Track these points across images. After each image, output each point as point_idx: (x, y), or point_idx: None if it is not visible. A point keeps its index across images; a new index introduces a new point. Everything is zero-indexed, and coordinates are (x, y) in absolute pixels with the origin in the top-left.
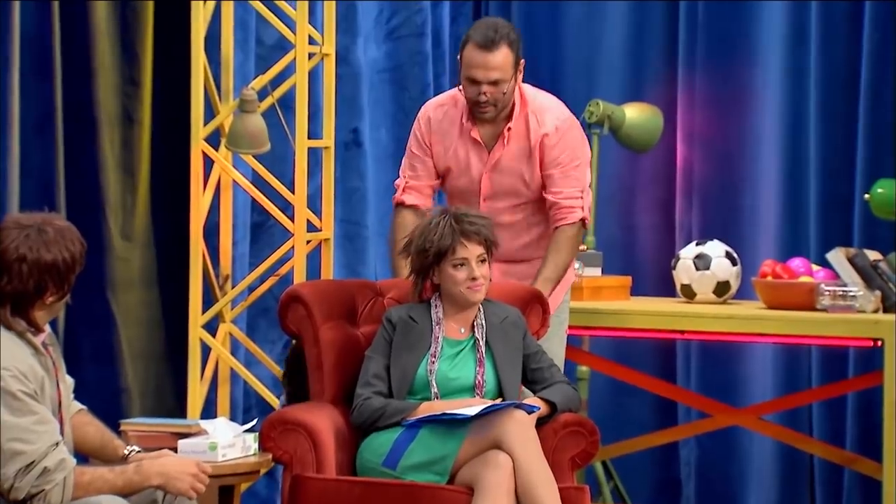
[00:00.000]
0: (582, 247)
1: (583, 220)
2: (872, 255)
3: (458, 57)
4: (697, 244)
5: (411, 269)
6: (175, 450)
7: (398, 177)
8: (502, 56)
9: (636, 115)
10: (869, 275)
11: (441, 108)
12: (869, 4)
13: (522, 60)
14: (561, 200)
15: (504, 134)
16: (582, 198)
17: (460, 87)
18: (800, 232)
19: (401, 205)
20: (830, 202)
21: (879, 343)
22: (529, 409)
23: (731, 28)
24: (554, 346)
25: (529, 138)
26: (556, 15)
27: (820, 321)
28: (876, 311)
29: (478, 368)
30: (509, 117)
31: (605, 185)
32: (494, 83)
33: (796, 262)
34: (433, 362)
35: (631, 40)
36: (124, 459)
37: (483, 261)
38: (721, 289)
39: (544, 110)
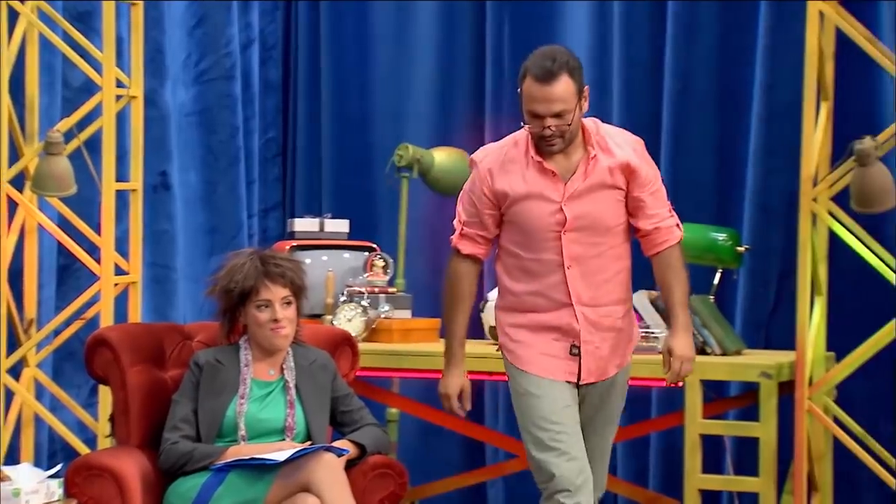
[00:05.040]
0: (391, 289)
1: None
2: None
3: (519, 91)
4: None
5: (218, 310)
6: None
7: (456, 221)
8: (563, 86)
9: (445, 158)
10: None
11: (501, 151)
12: (669, 55)
13: (587, 87)
14: (660, 224)
15: (588, 161)
16: (672, 215)
17: (524, 123)
18: None
19: (458, 252)
20: (633, 246)
21: (681, 384)
22: (339, 452)
23: None
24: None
25: (608, 165)
26: (364, 60)
27: None
28: None
29: (288, 410)
30: (584, 145)
31: (415, 228)
32: (558, 115)
33: None
34: (242, 403)
35: (439, 86)
36: None
37: (288, 303)
38: None
39: (613, 133)
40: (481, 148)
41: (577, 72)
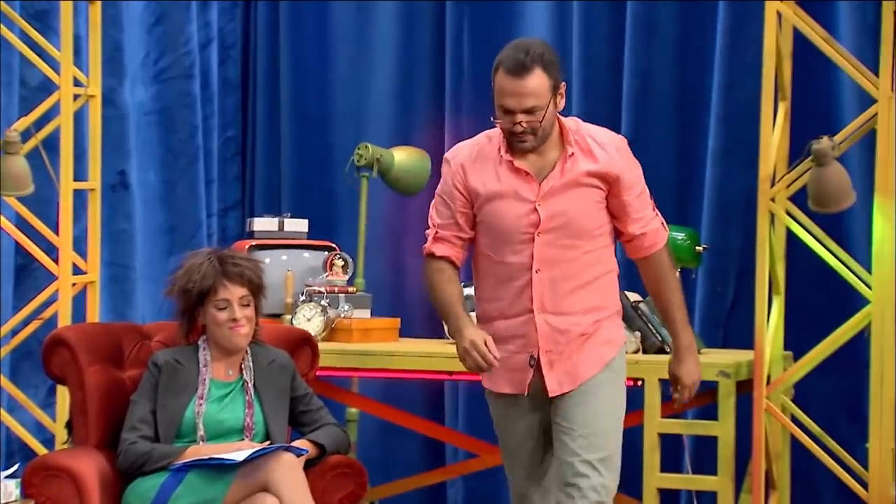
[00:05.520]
0: (351, 288)
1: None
2: (633, 296)
3: (492, 84)
4: (465, 286)
5: (177, 309)
6: None
7: (431, 228)
8: (536, 81)
9: (404, 158)
10: (630, 316)
11: (473, 147)
12: (628, 54)
13: (563, 83)
14: (646, 228)
15: (566, 160)
16: (657, 214)
17: (494, 118)
18: None
19: (431, 256)
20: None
21: (640, 383)
22: (298, 452)
23: None
24: (617, 402)
25: (586, 168)
26: (324, 59)
27: None
28: (636, 352)
29: (247, 410)
30: (561, 144)
31: (374, 227)
32: (529, 111)
33: None
34: (200, 404)
35: (399, 85)
36: None
37: (247, 303)
38: None
39: (595, 132)
40: (454, 146)
41: (552, 66)
